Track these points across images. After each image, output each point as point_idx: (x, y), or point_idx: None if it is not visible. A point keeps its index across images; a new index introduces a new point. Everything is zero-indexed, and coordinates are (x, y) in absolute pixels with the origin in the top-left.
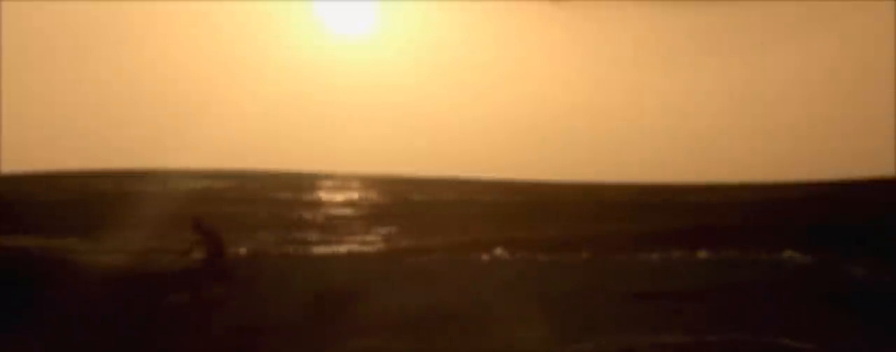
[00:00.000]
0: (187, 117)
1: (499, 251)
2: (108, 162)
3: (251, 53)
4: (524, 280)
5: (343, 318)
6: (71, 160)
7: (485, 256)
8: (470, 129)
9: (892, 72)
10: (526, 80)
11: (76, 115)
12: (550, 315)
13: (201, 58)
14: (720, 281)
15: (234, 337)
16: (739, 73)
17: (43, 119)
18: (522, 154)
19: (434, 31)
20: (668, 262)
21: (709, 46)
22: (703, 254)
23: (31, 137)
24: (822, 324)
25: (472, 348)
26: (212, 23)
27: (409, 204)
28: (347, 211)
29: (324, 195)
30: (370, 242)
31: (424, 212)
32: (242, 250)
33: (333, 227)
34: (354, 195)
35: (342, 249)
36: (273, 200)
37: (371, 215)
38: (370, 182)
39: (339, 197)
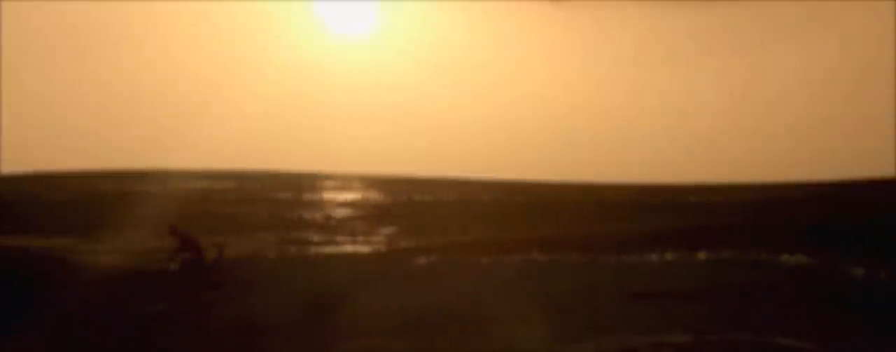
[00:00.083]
0: (187, 117)
1: (499, 251)
2: (108, 162)
3: (251, 53)
4: (524, 280)
5: (343, 317)
6: (71, 160)
7: (485, 257)
8: (470, 129)
9: (892, 72)
10: (526, 80)
11: (76, 115)
12: (550, 315)
13: (201, 58)
14: (720, 281)
15: (235, 337)
16: (739, 73)
17: (43, 119)
18: (522, 154)
19: (434, 31)
20: (668, 262)
21: (709, 46)
22: (702, 254)
23: (31, 137)
24: (821, 324)
25: (473, 348)
26: (212, 23)
27: (409, 204)
28: (347, 211)
29: (324, 195)
30: (370, 242)
31: (425, 212)
32: (242, 251)
33: (333, 227)
34: (355, 195)
35: (342, 249)
36: (273, 201)
37: (371, 216)
38: (371, 182)
39: (340, 197)
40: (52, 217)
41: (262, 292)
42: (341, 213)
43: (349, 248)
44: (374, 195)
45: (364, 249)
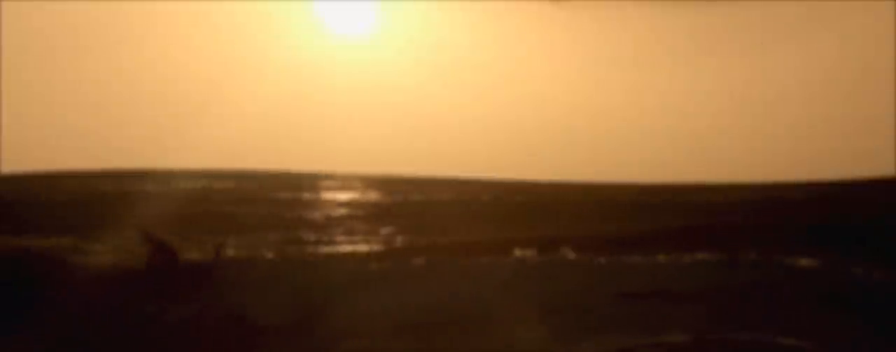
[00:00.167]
0: (187, 117)
1: (499, 251)
2: (108, 162)
3: (251, 53)
4: (524, 280)
5: (343, 317)
6: (71, 160)
7: (485, 256)
8: (470, 129)
9: (892, 72)
10: (526, 80)
11: (76, 115)
12: (551, 315)
13: (201, 58)
14: (720, 281)
15: (235, 336)
16: (739, 73)
17: (43, 119)
18: (522, 154)
19: (434, 31)
20: (668, 262)
21: (709, 46)
22: (703, 254)
23: (31, 137)
24: (822, 324)
25: (473, 349)
26: (212, 23)
27: (409, 204)
28: (348, 211)
29: (324, 195)
30: (370, 241)
31: (425, 212)
32: (242, 250)
33: (333, 226)
34: (354, 195)
35: (342, 248)
36: (273, 200)
37: (371, 215)
38: (370, 182)
39: (339, 197)
40: (52, 217)
41: (262, 291)
42: (341, 212)
43: (349, 247)
44: (374, 195)
45: (364, 248)
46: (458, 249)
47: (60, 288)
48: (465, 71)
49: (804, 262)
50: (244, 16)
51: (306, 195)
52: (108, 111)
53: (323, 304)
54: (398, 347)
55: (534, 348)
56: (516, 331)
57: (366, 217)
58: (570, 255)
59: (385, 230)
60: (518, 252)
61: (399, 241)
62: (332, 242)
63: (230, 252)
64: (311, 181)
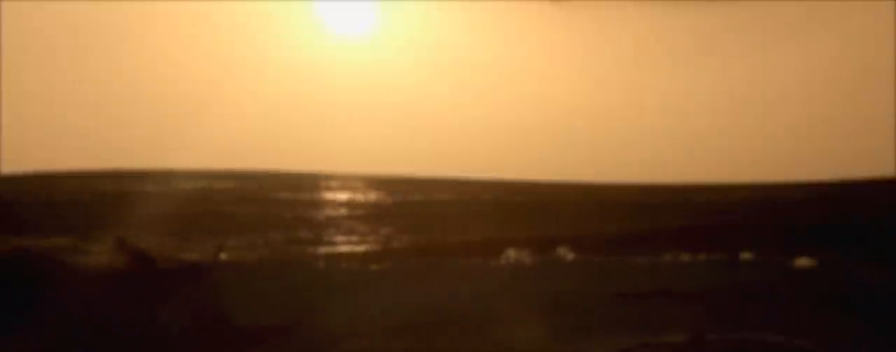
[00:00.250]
0: (187, 117)
1: (499, 251)
2: (108, 162)
3: (251, 53)
4: (524, 280)
5: (342, 318)
6: (71, 160)
7: (485, 257)
8: (470, 129)
9: (893, 72)
10: (526, 80)
11: (76, 115)
12: (551, 315)
13: (201, 58)
14: (720, 281)
15: (234, 337)
16: (739, 73)
17: (43, 119)
18: (522, 154)
19: (434, 31)
20: (668, 262)
21: (709, 46)
22: (703, 254)
23: (31, 137)
24: (822, 324)
25: (473, 349)
26: (212, 23)
27: (408, 204)
28: (348, 211)
29: (324, 195)
30: (370, 241)
31: (425, 212)
32: (242, 250)
33: (333, 226)
34: (354, 195)
35: (342, 248)
36: (273, 200)
37: (371, 215)
38: (370, 182)
39: (339, 197)
40: (51, 217)
41: (262, 291)
42: (341, 212)
43: (349, 247)
44: (374, 195)
45: (364, 248)
46: (458, 249)
47: (60, 288)
48: (465, 71)
49: (804, 262)
50: (244, 16)
51: (306, 195)
52: (108, 111)
53: (323, 304)
54: (398, 347)
55: (534, 348)
56: (516, 331)
57: (366, 217)
58: (570, 255)
59: (385, 230)
60: (518, 252)
61: (399, 241)
62: (332, 242)
63: (230, 252)
64: (311, 181)
